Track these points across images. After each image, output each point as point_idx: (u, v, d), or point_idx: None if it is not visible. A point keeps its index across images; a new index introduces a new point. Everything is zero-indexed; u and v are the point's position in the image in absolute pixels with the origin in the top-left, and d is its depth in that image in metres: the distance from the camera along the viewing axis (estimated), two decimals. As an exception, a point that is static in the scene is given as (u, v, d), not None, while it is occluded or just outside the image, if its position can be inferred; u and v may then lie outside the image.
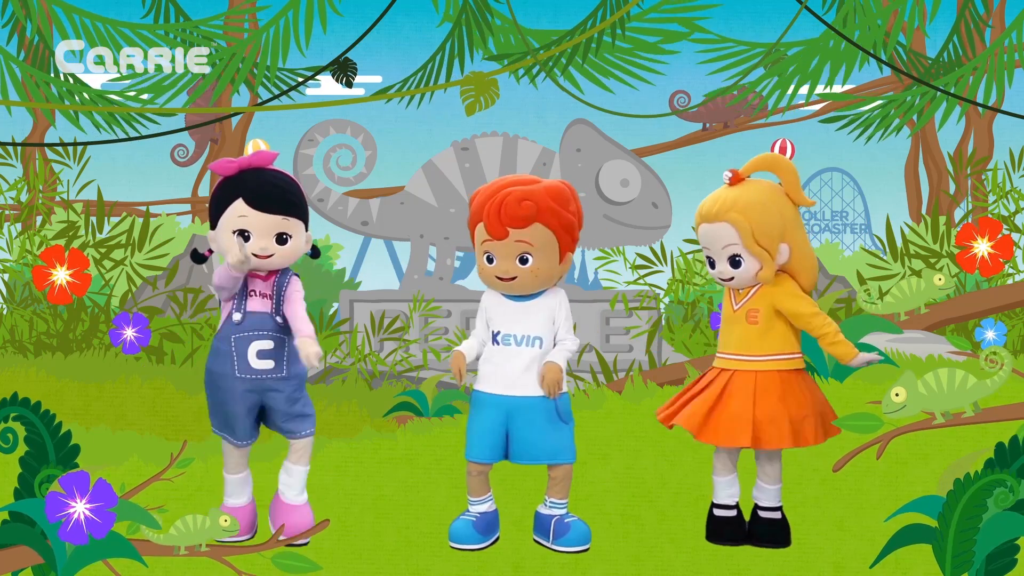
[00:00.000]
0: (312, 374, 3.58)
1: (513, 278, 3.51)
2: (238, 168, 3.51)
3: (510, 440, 3.54)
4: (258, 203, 3.48)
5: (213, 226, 3.55)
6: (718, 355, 3.64)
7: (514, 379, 3.52)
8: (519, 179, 3.55)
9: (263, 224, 3.49)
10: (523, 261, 3.49)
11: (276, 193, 3.51)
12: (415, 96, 8.81)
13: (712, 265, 3.59)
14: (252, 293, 3.55)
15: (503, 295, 3.58)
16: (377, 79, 9.06)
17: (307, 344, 3.43)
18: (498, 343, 3.56)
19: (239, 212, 3.48)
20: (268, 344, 3.54)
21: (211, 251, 3.60)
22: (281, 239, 3.52)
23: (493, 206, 3.47)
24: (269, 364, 3.54)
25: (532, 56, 8.46)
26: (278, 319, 3.55)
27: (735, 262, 3.53)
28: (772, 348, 3.57)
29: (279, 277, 3.58)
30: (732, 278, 3.55)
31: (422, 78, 8.74)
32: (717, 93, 9.06)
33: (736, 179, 3.56)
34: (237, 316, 3.53)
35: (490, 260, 3.52)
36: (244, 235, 3.49)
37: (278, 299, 3.56)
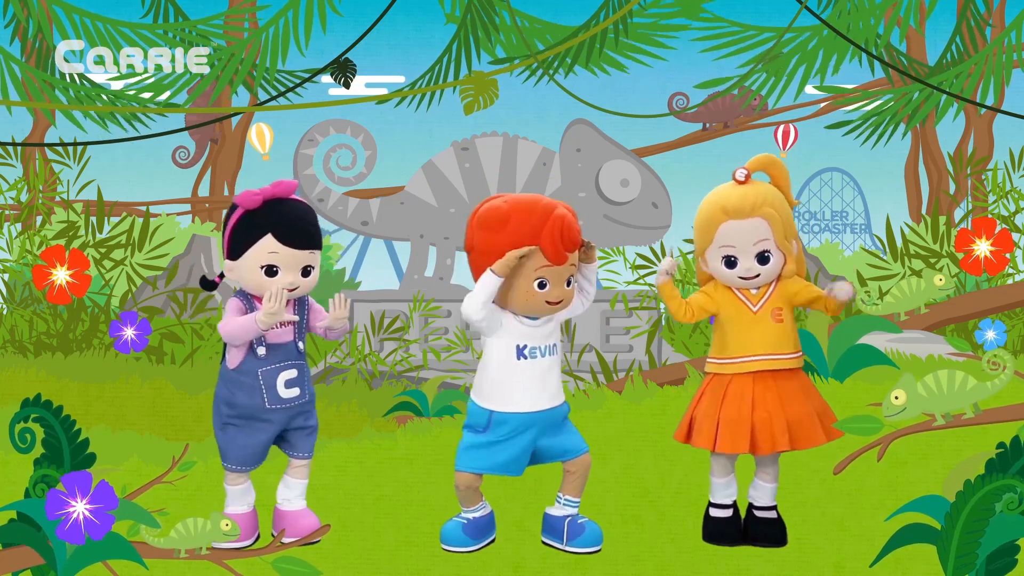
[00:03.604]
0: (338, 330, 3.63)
1: (560, 301, 3.47)
2: (262, 200, 3.49)
3: (536, 449, 3.53)
4: (289, 240, 3.48)
5: (234, 257, 3.51)
6: (734, 360, 3.54)
7: (543, 392, 3.50)
8: (550, 201, 3.47)
9: (292, 259, 3.50)
10: (568, 284, 3.48)
11: (306, 228, 3.53)
12: (422, 99, 8.82)
13: (732, 265, 3.53)
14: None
15: (524, 315, 3.50)
16: (400, 79, 9.09)
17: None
18: (525, 357, 3.48)
19: (269, 248, 3.48)
20: (293, 373, 3.58)
21: (221, 278, 3.60)
22: (306, 271, 3.54)
23: (554, 232, 3.39)
24: (296, 391, 3.59)
25: (533, 57, 8.46)
26: (300, 345, 3.60)
27: (763, 258, 3.51)
28: (796, 346, 3.59)
29: (299, 302, 3.61)
30: (758, 275, 3.52)
31: (429, 80, 8.75)
32: (715, 83, 9.03)
33: (748, 179, 3.55)
34: (261, 350, 3.53)
35: (542, 285, 3.43)
36: (272, 270, 3.49)
37: (301, 324, 3.59)
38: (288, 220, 3.49)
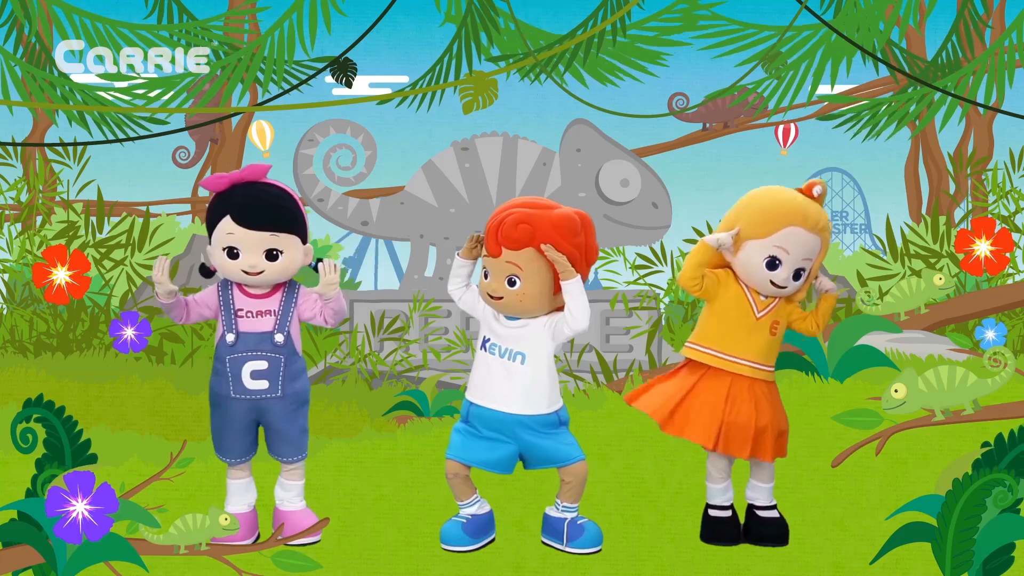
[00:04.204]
0: (330, 290, 3.53)
1: (500, 297, 3.48)
2: (229, 183, 3.48)
3: (522, 452, 3.53)
4: (244, 220, 3.44)
5: (210, 241, 3.53)
6: (730, 357, 3.55)
7: (503, 391, 3.50)
8: (534, 202, 3.50)
9: (250, 241, 3.45)
10: (511, 283, 3.46)
11: (263, 209, 3.46)
12: (422, 99, 8.82)
13: (773, 267, 3.51)
14: (245, 313, 3.52)
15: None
16: (403, 79, 9.09)
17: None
18: (485, 349, 3.54)
19: (227, 230, 3.46)
20: (262, 364, 3.52)
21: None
22: (271, 255, 3.48)
23: (494, 223, 3.47)
24: (264, 384, 3.53)
25: (532, 56, 8.46)
26: (278, 337, 3.52)
27: (798, 274, 3.52)
28: (774, 361, 3.62)
29: (286, 293, 3.56)
30: (785, 287, 3.53)
31: (430, 81, 8.74)
32: (717, 95, 9.05)
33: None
34: (230, 337, 3.51)
35: (486, 275, 3.52)
36: (233, 252, 3.47)
37: (284, 315, 3.54)
38: (244, 201, 3.45)
